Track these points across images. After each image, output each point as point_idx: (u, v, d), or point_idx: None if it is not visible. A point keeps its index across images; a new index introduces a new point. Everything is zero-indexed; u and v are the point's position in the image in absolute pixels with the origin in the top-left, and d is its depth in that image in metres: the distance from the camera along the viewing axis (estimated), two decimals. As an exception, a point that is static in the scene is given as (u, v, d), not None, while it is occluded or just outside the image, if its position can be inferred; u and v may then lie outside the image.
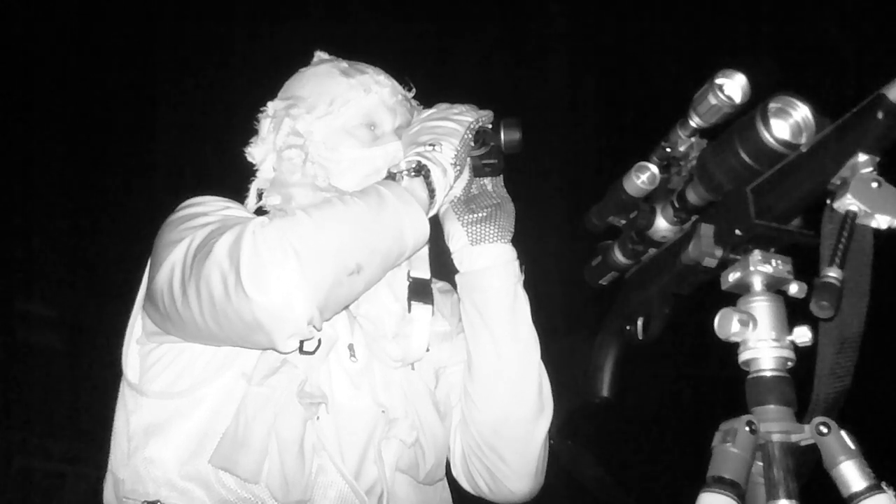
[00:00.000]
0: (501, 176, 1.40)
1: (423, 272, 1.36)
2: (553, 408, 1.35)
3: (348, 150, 1.38)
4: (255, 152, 1.41)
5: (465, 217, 1.33)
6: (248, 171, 1.44)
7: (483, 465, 1.34)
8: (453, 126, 1.31)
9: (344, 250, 1.14)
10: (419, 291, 1.33)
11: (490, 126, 1.36)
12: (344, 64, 1.46)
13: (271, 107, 1.43)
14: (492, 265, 1.31)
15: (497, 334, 1.31)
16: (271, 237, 1.10)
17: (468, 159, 1.35)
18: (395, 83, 1.47)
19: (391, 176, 1.24)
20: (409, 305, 1.32)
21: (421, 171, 1.24)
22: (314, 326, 1.13)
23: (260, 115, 1.44)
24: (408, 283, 1.34)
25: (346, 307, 1.23)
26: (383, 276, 1.23)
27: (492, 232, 1.32)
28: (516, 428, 1.32)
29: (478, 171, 1.37)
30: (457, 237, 1.33)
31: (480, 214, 1.33)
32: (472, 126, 1.31)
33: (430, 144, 1.28)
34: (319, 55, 1.50)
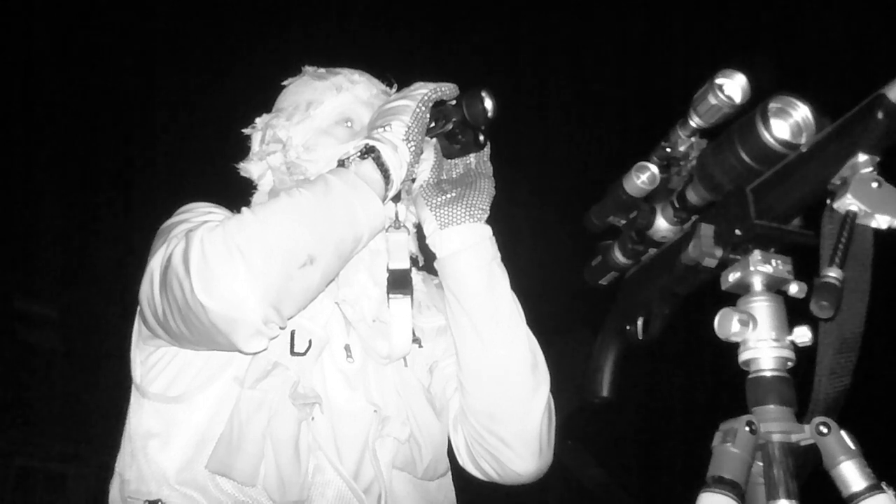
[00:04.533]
0: (486, 151, 1.35)
1: (403, 262, 1.32)
2: (550, 382, 1.32)
3: (325, 148, 1.39)
4: (252, 168, 1.44)
5: (434, 200, 1.29)
6: (245, 177, 1.47)
7: (486, 450, 1.33)
8: (405, 103, 1.28)
9: (290, 243, 1.13)
10: (397, 284, 1.31)
11: (454, 102, 1.31)
12: (322, 70, 1.48)
13: (259, 122, 1.47)
14: (461, 247, 1.28)
15: (476, 318, 1.28)
16: (216, 241, 1.10)
17: (433, 139, 1.32)
18: (371, 79, 1.48)
19: (341, 163, 1.23)
20: (388, 300, 1.30)
21: (370, 152, 1.21)
22: (275, 324, 1.13)
23: (250, 131, 1.48)
24: (386, 275, 1.31)
25: (311, 299, 1.20)
26: (343, 265, 1.22)
27: (460, 212, 1.28)
28: (512, 408, 1.30)
29: (448, 151, 1.33)
30: (428, 222, 1.30)
31: (449, 196, 1.29)
32: (425, 99, 1.27)
33: (381, 126, 1.25)
34: (305, 69, 1.51)
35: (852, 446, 0.93)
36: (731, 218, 1.03)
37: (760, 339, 0.98)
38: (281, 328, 1.16)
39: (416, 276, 1.40)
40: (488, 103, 1.29)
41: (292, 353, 1.24)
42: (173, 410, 1.25)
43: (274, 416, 1.20)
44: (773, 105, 0.99)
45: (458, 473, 1.44)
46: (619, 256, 1.24)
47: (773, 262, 1.01)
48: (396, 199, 1.30)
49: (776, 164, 0.99)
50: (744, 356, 1.00)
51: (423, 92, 1.28)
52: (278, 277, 1.11)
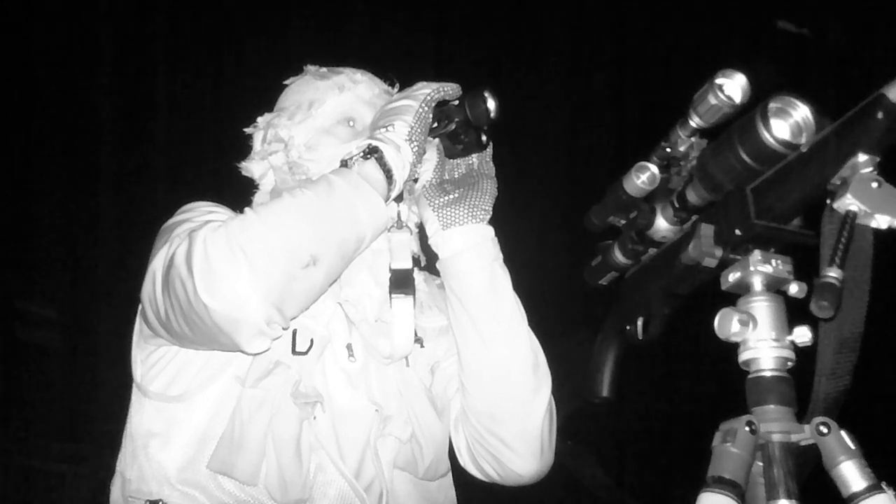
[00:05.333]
0: (488, 152, 1.35)
1: (405, 262, 1.32)
2: (552, 383, 1.32)
3: (327, 148, 1.39)
4: (254, 168, 1.44)
5: (436, 200, 1.29)
6: (247, 176, 1.47)
7: (487, 451, 1.33)
8: (408, 103, 1.28)
9: (293, 243, 1.13)
10: (400, 283, 1.31)
11: (456, 102, 1.31)
12: (324, 69, 1.48)
13: (260, 121, 1.47)
14: (463, 248, 1.28)
15: (478, 318, 1.28)
16: (219, 241, 1.10)
17: (436, 140, 1.32)
18: (374, 78, 1.48)
19: (344, 163, 1.23)
20: (390, 299, 1.30)
21: (372, 153, 1.21)
22: (278, 325, 1.13)
23: (252, 130, 1.48)
24: (388, 275, 1.31)
25: (314, 300, 1.20)
26: (346, 265, 1.22)
27: (462, 213, 1.28)
28: (513, 409, 1.29)
29: (450, 151, 1.33)
30: (430, 222, 1.30)
31: (452, 196, 1.29)
32: (428, 99, 1.28)
33: (384, 126, 1.26)
34: (307, 68, 1.51)
35: (852, 446, 0.93)
36: (731, 218, 1.03)
37: (760, 339, 0.98)
38: (284, 329, 1.16)
39: (418, 277, 1.40)
40: (491, 103, 1.29)
41: (294, 352, 1.24)
42: (174, 409, 1.25)
43: (275, 415, 1.20)
44: (773, 105, 0.99)
45: (459, 473, 1.44)
46: (619, 256, 1.25)
47: (773, 262, 1.01)
48: (399, 198, 1.30)
49: (776, 164, 0.99)
50: (744, 356, 1.00)
51: (426, 92, 1.29)
52: (281, 278, 1.11)
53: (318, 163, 1.37)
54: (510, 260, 1.33)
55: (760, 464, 0.96)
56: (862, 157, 0.89)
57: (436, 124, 1.30)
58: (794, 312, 0.99)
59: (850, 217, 0.88)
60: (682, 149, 1.13)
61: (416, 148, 1.25)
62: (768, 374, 0.97)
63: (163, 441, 1.24)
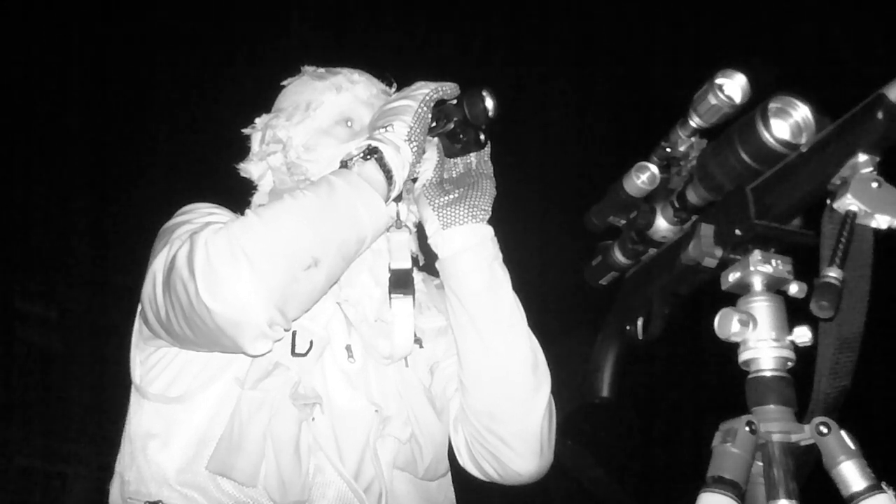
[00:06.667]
0: (486, 151, 1.35)
1: (404, 262, 1.32)
2: (551, 383, 1.32)
3: (326, 148, 1.39)
4: (252, 169, 1.45)
5: (436, 200, 1.29)
6: (245, 177, 1.47)
7: (486, 450, 1.33)
8: (407, 103, 1.28)
9: (295, 245, 1.13)
10: (399, 283, 1.31)
11: (455, 101, 1.31)
12: (321, 70, 1.49)
13: (259, 122, 1.47)
14: (463, 248, 1.28)
15: (477, 318, 1.28)
16: (221, 243, 1.10)
17: (435, 139, 1.32)
18: (371, 78, 1.48)
19: (344, 164, 1.23)
20: (390, 299, 1.30)
21: (372, 153, 1.21)
22: (280, 326, 1.13)
23: (250, 131, 1.48)
24: (388, 275, 1.31)
25: (315, 301, 1.21)
26: (347, 266, 1.22)
27: (462, 213, 1.28)
28: (512, 408, 1.29)
29: (449, 150, 1.33)
30: (430, 222, 1.30)
31: (452, 196, 1.29)
32: (426, 99, 1.28)
33: (383, 127, 1.26)
34: (304, 69, 1.51)
35: (852, 446, 0.93)
36: (731, 218, 1.03)
37: (760, 339, 0.98)
38: (286, 330, 1.16)
39: (417, 277, 1.40)
40: (489, 102, 1.29)
41: (293, 353, 1.24)
42: (173, 411, 1.25)
43: (274, 417, 1.20)
44: (773, 105, 0.99)
45: (458, 473, 1.44)
46: (619, 256, 1.25)
47: (773, 262, 1.01)
48: (398, 198, 1.30)
49: (776, 164, 0.99)
50: (744, 356, 1.00)
51: (425, 92, 1.29)
52: (283, 280, 1.11)
53: (317, 163, 1.37)
54: (510, 260, 1.33)
55: (760, 464, 0.96)
56: (862, 157, 0.89)
57: (434, 124, 1.30)
58: (794, 312, 0.99)
59: (850, 217, 0.88)
60: (682, 149, 1.13)
61: (416, 148, 1.25)
62: (768, 374, 0.97)
63: (162, 442, 1.24)
